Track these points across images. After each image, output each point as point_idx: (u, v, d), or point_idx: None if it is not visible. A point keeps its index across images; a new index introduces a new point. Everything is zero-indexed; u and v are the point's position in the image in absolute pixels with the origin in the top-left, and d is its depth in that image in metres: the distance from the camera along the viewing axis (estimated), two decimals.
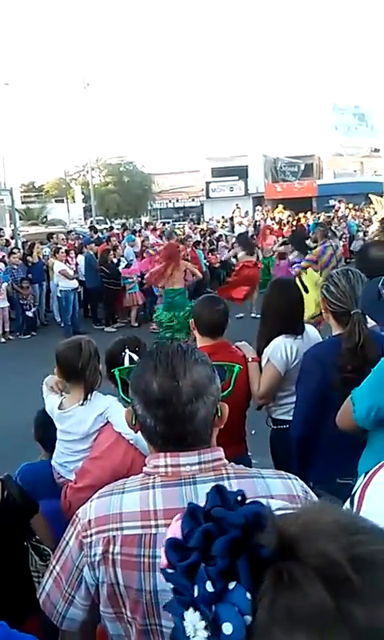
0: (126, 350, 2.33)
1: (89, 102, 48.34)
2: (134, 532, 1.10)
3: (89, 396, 2.40)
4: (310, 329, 3.01)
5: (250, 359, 2.85)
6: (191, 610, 0.56)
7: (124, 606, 1.12)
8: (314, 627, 0.48)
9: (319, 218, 20.81)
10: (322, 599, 0.48)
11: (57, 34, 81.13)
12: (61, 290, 10.74)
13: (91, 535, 1.14)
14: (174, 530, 0.64)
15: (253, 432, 3.02)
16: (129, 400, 1.22)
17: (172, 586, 0.60)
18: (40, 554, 2.04)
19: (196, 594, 0.55)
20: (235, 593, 0.53)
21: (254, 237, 14.08)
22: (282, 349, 2.83)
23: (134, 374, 1.20)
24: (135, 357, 2.24)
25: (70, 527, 1.21)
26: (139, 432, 1.19)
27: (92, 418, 2.37)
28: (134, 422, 1.18)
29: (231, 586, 0.54)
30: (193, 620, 0.55)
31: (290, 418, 2.69)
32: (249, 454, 2.92)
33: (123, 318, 11.47)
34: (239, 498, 0.63)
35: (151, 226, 18.13)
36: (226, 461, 1.17)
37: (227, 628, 0.52)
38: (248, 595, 0.53)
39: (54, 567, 1.21)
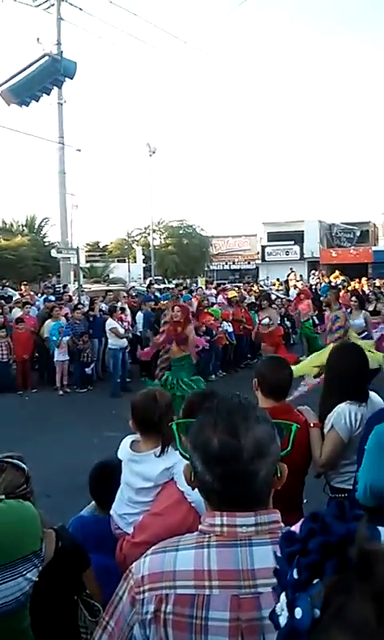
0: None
1: (154, 168, 50.92)
2: (187, 592, 1.07)
3: (166, 449, 2.36)
4: (373, 395, 2.95)
5: (311, 424, 2.81)
6: (283, 593, 0.65)
7: None
8: (357, 636, 0.55)
9: (374, 284, 20.72)
10: (367, 616, 0.55)
11: (127, 107, 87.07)
12: (110, 348, 10.90)
13: (144, 592, 1.11)
14: (296, 527, 0.73)
15: (305, 501, 2.92)
16: (187, 455, 1.18)
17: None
18: (90, 610, 1.94)
19: (287, 579, 0.65)
20: (316, 587, 0.61)
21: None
22: (346, 415, 2.78)
23: (194, 428, 1.17)
24: None
25: (123, 582, 1.18)
26: (197, 489, 1.16)
27: (159, 469, 2.34)
28: (192, 479, 1.16)
29: (315, 581, 0.62)
30: (282, 601, 0.65)
31: (350, 487, 2.60)
32: None
33: None
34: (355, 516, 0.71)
35: (216, 286, 18.52)
36: (282, 524, 1.13)
37: (298, 613, 0.60)
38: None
39: (108, 622, 1.17)
